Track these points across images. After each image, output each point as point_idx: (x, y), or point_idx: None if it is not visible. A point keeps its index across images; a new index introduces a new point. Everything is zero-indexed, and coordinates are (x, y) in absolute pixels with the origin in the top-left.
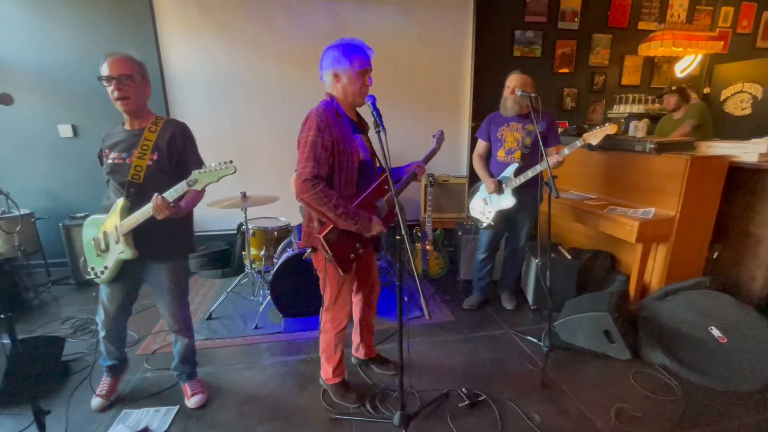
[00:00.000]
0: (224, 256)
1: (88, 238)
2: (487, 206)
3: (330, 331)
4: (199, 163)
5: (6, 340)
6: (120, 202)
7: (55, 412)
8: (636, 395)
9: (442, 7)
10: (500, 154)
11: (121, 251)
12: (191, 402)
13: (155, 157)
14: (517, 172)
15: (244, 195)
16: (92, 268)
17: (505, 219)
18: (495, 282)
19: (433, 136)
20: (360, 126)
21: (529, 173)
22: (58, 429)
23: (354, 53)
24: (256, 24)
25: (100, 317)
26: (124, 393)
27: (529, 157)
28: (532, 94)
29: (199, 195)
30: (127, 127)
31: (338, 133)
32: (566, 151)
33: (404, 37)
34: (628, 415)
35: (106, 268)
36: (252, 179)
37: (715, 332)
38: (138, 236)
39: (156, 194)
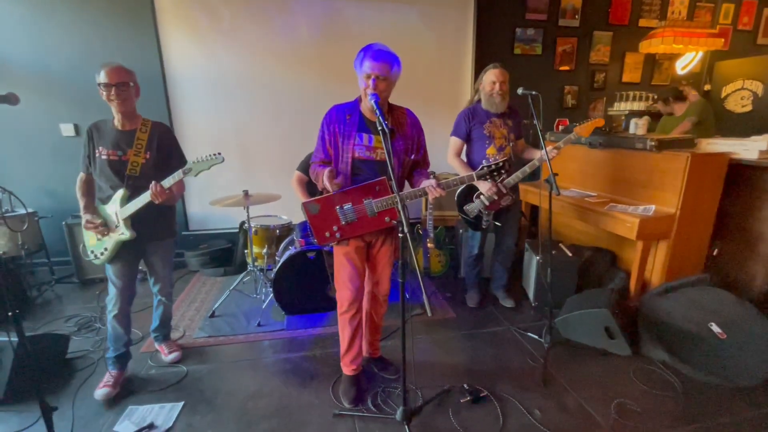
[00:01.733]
0: (227, 254)
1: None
2: (488, 206)
3: (338, 311)
4: (182, 158)
5: (13, 338)
6: (121, 192)
7: (61, 408)
8: (636, 391)
9: (442, 5)
10: (491, 152)
11: (122, 233)
12: (169, 358)
13: (148, 155)
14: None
15: (246, 193)
16: (91, 251)
17: (495, 216)
18: (486, 279)
19: (488, 168)
20: (371, 126)
21: (527, 169)
22: (64, 425)
23: (365, 57)
24: (257, 23)
25: (111, 294)
26: (129, 389)
27: (515, 153)
28: (533, 92)
29: (182, 185)
30: (118, 127)
31: (338, 129)
32: (561, 144)
33: (404, 34)
34: (628, 410)
35: (106, 249)
36: (254, 178)
37: (715, 328)
38: (137, 222)
39: (153, 182)
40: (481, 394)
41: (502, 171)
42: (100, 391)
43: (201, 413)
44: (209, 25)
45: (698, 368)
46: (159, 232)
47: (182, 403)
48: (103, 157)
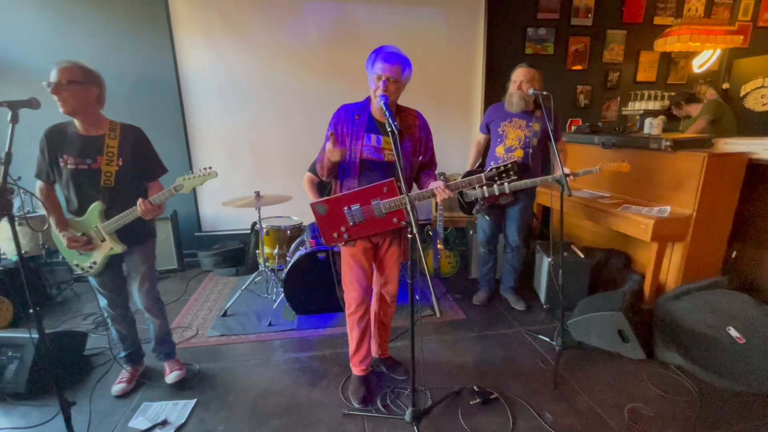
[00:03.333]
0: (238, 254)
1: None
2: (486, 198)
3: (346, 311)
4: (159, 165)
5: (34, 335)
6: (97, 205)
7: (78, 403)
8: (650, 395)
9: (453, 5)
10: (500, 151)
11: (111, 248)
12: (170, 378)
13: (121, 162)
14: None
15: (258, 194)
16: (77, 265)
17: (500, 213)
18: (498, 280)
19: (498, 171)
20: (380, 127)
21: (528, 183)
22: (82, 420)
23: (377, 59)
24: (269, 27)
25: (102, 303)
26: (143, 386)
27: (533, 158)
28: (543, 93)
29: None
30: (81, 132)
31: (347, 129)
32: (580, 173)
33: (415, 35)
34: (641, 414)
35: (94, 263)
36: (265, 179)
37: (733, 332)
38: (118, 229)
39: (141, 200)
40: (491, 396)
41: (511, 173)
42: (117, 387)
43: (213, 410)
44: (222, 29)
45: (715, 373)
46: (139, 236)
47: (195, 400)
48: (70, 166)
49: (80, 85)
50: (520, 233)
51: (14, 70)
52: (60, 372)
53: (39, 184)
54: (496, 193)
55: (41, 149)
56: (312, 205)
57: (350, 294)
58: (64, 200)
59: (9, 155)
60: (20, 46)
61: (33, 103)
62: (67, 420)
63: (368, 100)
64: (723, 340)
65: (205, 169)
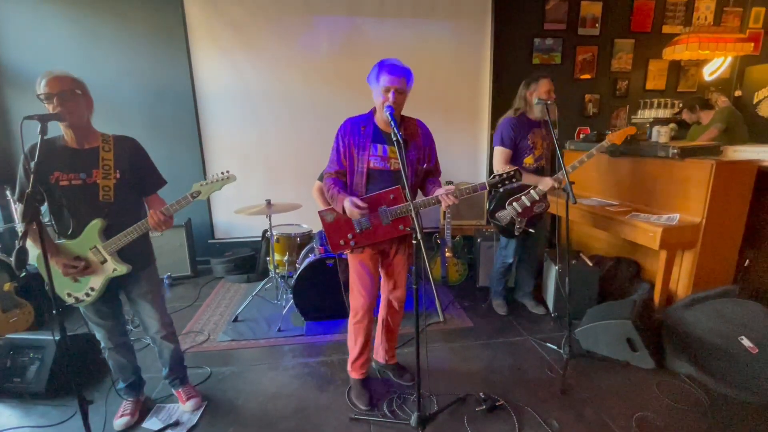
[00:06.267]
0: (250, 261)
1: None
2: (521, 213)
3: (350, 319)
4: (158, 176)
5: (56, 336)
6: (97, 223)
7: (95, 404)
8: (659, 405)
9: (460, 17)
10: (529, 161)
11: (114, 269)
12: (187, 406)
13: (118, 175)
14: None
15: (269, 202)
16: (69, 295)
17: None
18: (510, 288)
19: (497, 182)
20: (386, 137)
21: (560, 176)
22: (98, 420)
23: (381, 72)
24: (281, 40)
25: (100, 334)
26: (157, 390)
27: (551, 161)
28: (548, 102)
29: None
30: (71, 145)
31: (353, 141)
32: (594, 151)
33: (423, 47)
34: (650, 424)
35: (92, 289)
36: (276, 187)
37: (746, 342)
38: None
39: (153, 210)
40: (497, 403)
41: (513, 180)
42: (120, 421)
43: (223, 412)
44: (237, 44)
45: (727, 383)
46: (140, 259)
47: (206, 402)
48: (62, 183)
49: (79, 94)
50: (542, 240)
51: None
52: (78, 373)
53: (20, 207)
54: (528, 204)
55: (24, 168)
56: (320, 212)
57: (357, 301)
58: (53, 224)
59: (39, 165)
60: (48, 63)
61: (61, 116)
62: (85, 416)
63: (372, 111)
64: (735, 350)
65: (222, 173)
